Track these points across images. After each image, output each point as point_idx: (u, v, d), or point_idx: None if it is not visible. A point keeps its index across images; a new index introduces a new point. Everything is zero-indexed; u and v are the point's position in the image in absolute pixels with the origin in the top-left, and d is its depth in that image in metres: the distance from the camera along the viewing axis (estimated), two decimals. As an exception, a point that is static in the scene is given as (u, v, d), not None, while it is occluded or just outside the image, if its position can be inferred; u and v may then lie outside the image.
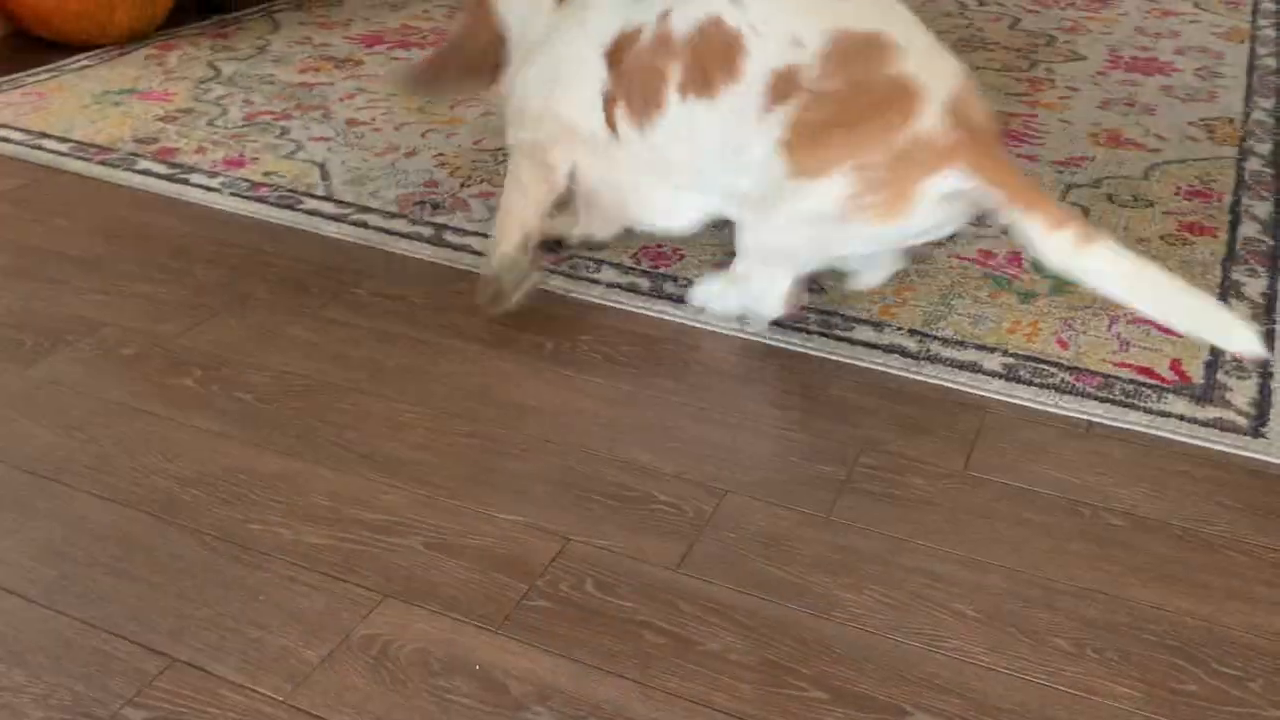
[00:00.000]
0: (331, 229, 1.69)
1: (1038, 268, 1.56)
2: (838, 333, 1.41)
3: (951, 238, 1.64)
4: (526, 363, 1.37)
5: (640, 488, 1.15)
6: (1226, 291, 1.49)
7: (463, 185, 1.84)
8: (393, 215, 1.73)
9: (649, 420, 1.26)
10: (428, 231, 1.68)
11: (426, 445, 1.22)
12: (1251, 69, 2.45)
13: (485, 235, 1.66)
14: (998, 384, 1.31)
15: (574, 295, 1.51)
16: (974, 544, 1.08)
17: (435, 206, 1.76)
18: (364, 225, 1.70)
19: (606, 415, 1.27)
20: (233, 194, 1.81)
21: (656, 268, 1.57)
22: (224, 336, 1.43)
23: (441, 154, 1.96)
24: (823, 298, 1.49)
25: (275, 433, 1.24)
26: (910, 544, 1.08)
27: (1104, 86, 2.32)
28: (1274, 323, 1.42)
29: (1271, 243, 1.63)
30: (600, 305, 1.49)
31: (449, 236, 1.66)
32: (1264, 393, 1.28)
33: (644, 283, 1.53)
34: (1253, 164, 1.92)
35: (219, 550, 1.07)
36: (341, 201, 1.78)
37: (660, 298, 1.50)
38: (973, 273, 1.55)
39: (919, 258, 1.58)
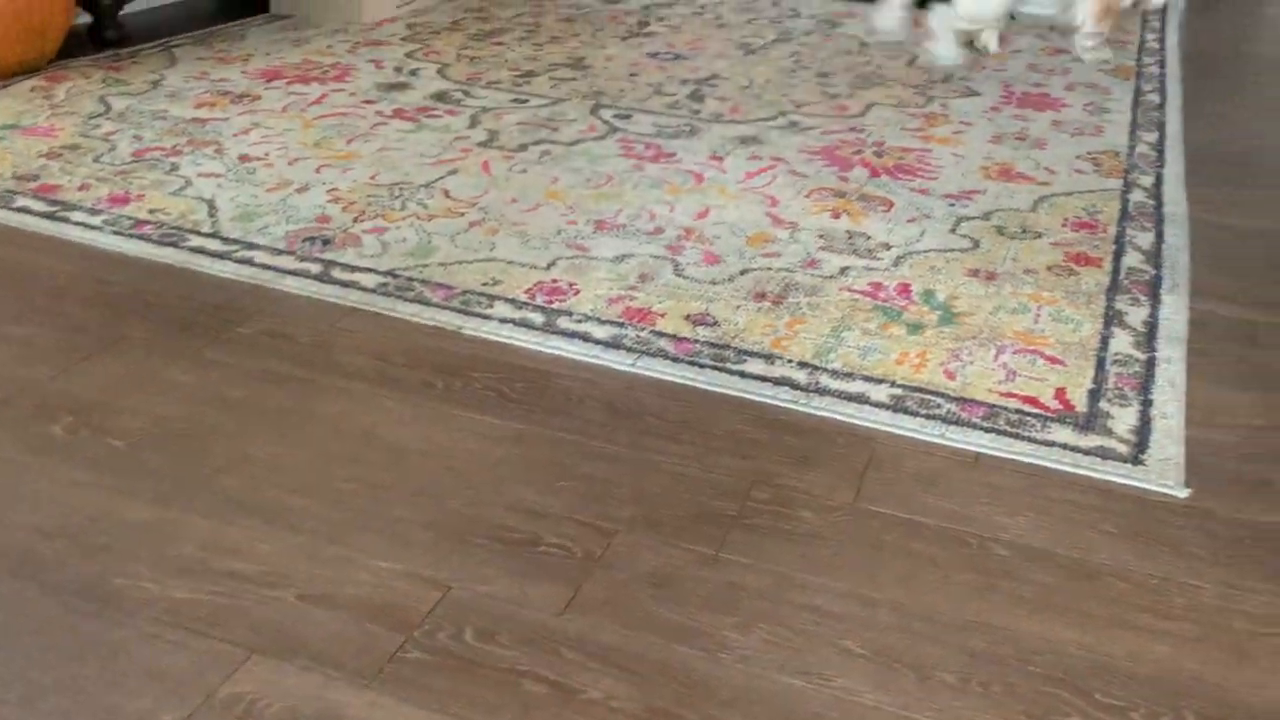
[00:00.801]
0: (216, 267, 1.64)
1: (928, 299, 1.58)
2: (730, 366, 1.41)
3: (844, 270, 1.66)
4: (414, 402, 1.34)
5: (527, 530, 1.13)
6: (1110, 320, 1.53)
7: (355, 220, 1.80)
8: (280, 252, 1.69)
9: (539, 459, 1.24)
10: (316, 268, 1.64)
11: (306, 491, 1.18)
12: (1136, 104, 2.54)
13: (373, 271, 1.62)
14: (886, 415, 1.31)
15: (467, 332, 1.48)
16: (862, 578, 1.08)
17: (325, 243, 1.72)
18: (250, 263, 1.65)
19: (495, 455, 1.24)
20: (114, 232, 1.74)
21: (550, 303, 1.55)
22: (98, 380, 1.37)
23: (335, 189, 1.93)
24: (716, 331, 1.48)
25: (146, 480, 1.19)
26: (800, 580, 1.07)
27: (997, 122, 2.38)
28: (1154, 350, 1.45)
29: (1153, 271, 1.68)
30: (494, 342, 1.47)
31: (337, 273, 1.62)
32: (1144, 420, 1.31)
33: (537, 318, 1.51)
34: (1136, 195, 1.98)
35: (76, 607, 1.01)
36: (228, 239, 1.73)
37: (554, 333, 1.48)
38: (863, 305, 1.56)
39: (810, 290, 1.59)
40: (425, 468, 1.22)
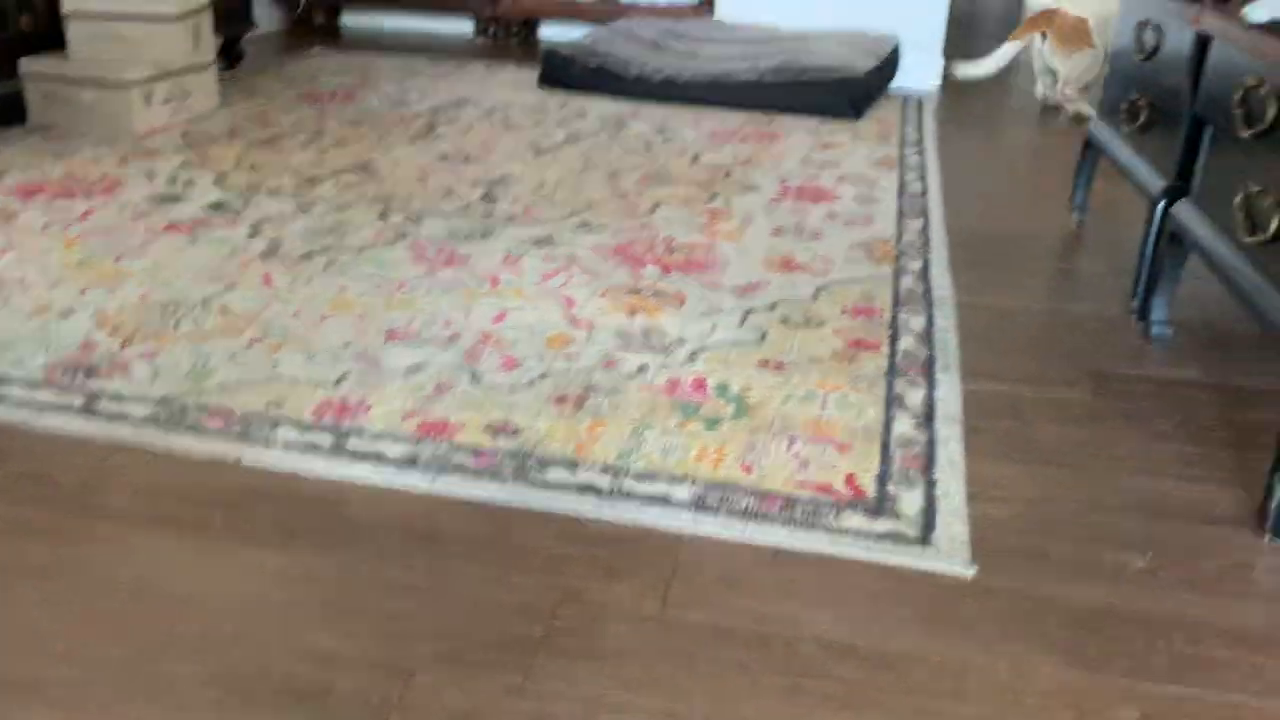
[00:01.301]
0: (-39, 407, 1.49)
1: (722, 392, 1.61)
2: (532, 476, 1.38)
3: (641, 368, 1.67)
4: (191, 544, 1.24)
5: (319, 678, 1.05)
6: (891, 403, 1.60)
7: (124, 345, 1.68)
8: (39, 385, 1.56)
9: (330, 598, 1.17)
10: (79, 401, 1.52)
11: (68, 659, 1.07)
12: (901, 192, 2.72)
13: (144, 399, 1.52)
14: (688, 516, 1.32)
15: (247, 462, 1.40)
16: (673, 691, 1.06)
17: (90, 373, 1.60)
18: (2, 400, 1.51)
19: (282, 597, 1.17)
20: None
21: (340, 423, 1.49)
22: None
23: (102, 312, 1.80)
24: (517, 439, 1.46)
25: (-128, 663, 1.04)
26: (611, 700, 1.05)
27: (775, 216, 2.49)
28: (933, 430, 1.53)
29: (927, 353, 1.77)
30: (277, 471, 1.39)
31: (104, 405, 1.51)
32: (929, 500, 1.37)
33: (325, 440, 1.45)
34: (907, 281, 2.10)
35: None
36: (-24, 374, 1.58)
37: (344, 456, 1.41)
38: (662, 402, 1.58)
39: (610, 390, 1.60)
40: (205, 617, 1.13)
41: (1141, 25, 2.06)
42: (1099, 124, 2.39)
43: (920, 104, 3.95)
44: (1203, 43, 1.74)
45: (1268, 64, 1.43)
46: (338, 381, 1.60)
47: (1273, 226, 1.40)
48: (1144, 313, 1.90)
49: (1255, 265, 1.47)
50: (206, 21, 3.16)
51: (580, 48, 3.83)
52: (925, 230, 2.42)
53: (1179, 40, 1.85)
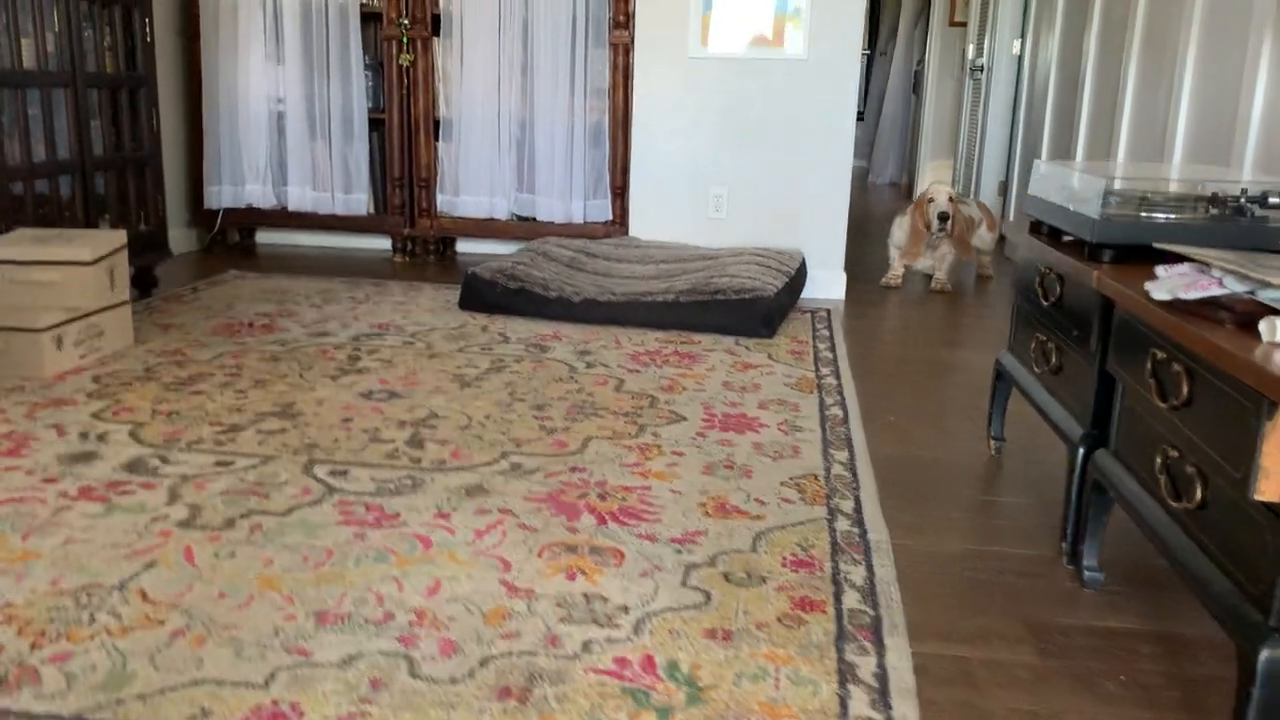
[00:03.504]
0: None
1: (672, 673, 1.56)
2: (482, 793, 1.31)
3: (587, 645, 1.62)
4: None
5: None
6: (844, 677, 1.57)
7: (33, 647, 1.57)
8: (-64, 705, 1.43)
9: None
10: (-18, 726, 1.40)
11: None
12: (823, 420, 2.78)
13: (60, 716, 1.40)
14: (652, 836, 1.25)
15: (173, 789, 1.29)
16: None
17: (-5, 686, 1.48)
18: (-106, 727, 1.39)
19: None
20: None
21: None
22: None
23: (9, 604, 1.69)
24: (462, 745, 1.38)
25: None
26: None
27: (704, 449, 2.51)
28: (890, 709, 1.50)
29: (872, 613, 1.77)
30: (206, 798, 1.29)
31: (11, 729, 1.40)
32: (895, 795, 1.33)
33: (259, 759, 1.35)
34: (841, 524, 2.12)
35: None
36: None
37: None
38: (611, 689, 1.52)
39: (555, 677, 1.54)
40: None
41: (1043, 273, 2.18)
42: (1008, 357, 2.50)
43: (829, 317, 4.10)
44: (1108, 304, 1.84)
45: (1175, 341, 1.52)
46: (266, 681, 1.51)
47: (1197, 495, 1.45)
48: (1074, 557, 1.94)
49: (1185, 530, 1.52)
50: (123, 261, 3.15)
51: (500, 271, 3.91)
52: (852, 462, 2.47)
53: (1083, 296, 1.96)
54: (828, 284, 4.47)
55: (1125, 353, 1.74)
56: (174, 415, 2.61)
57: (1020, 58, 6.30)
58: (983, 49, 7.08)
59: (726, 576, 1.88)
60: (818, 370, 3.28)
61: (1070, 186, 2.07)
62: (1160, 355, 1.56)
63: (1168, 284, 1.56)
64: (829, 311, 4.16)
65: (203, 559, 1.87)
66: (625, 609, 1.75)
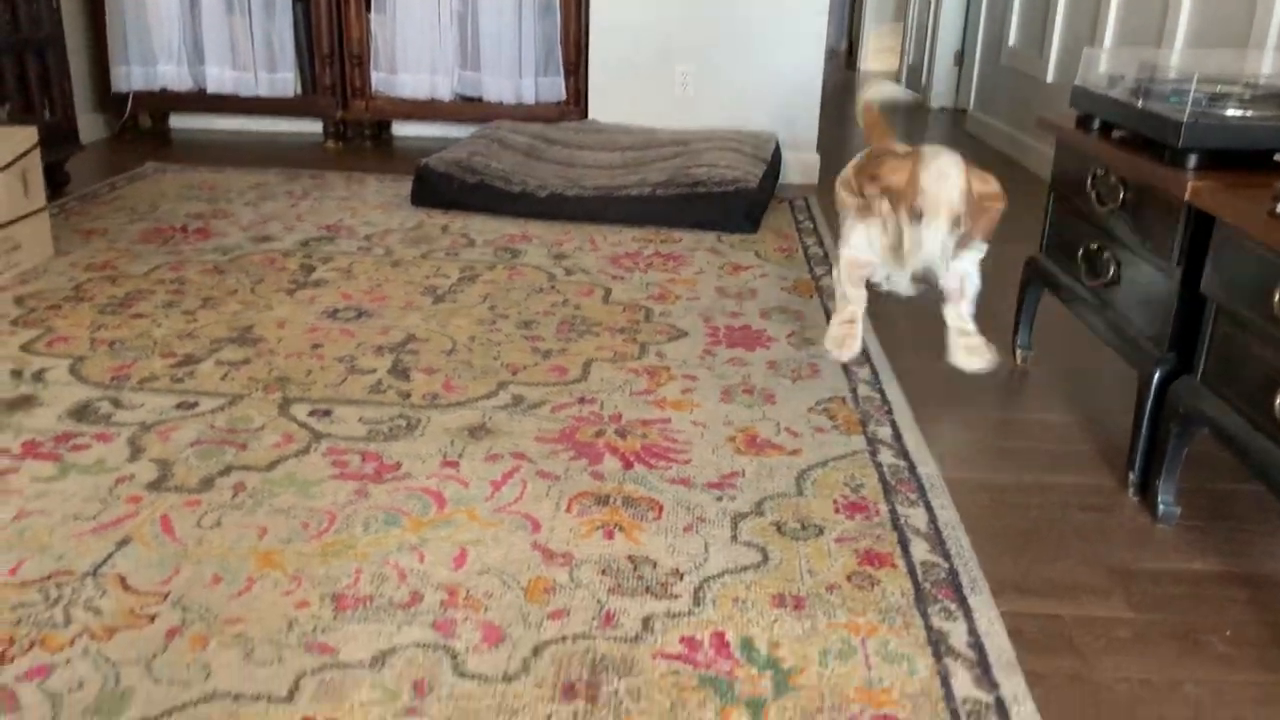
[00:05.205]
0: None
1: (749, 654, 1.39)
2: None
3: (647, 623, 1.44)
4: None
5: None
6: (938, 650, 1.42)
7: (2, 660, 1.33)
8: (-107, 747, 1.19)
9: None
10: (-43, 776, 1.17)
11: None
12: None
13: (51, 757, 1.18)
14: None
15: (204, 843, 1.09)
16: None
17: (-37, 719, 1.24)
18: None
19: None
20: None
21: (312, 764, 1.19)
22: None
23: (-40, 601, 1.44)
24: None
25: None
26: None
27: (716, 370, 2.31)
28: (997, 687, 1.35)
29: (946, 564, 1.61)
30: None
31: (-7, 777, 1.17)
32: (1029, 798, 1.19)
33: (301, 799, 1.15)
34: (884, 455, 1.95)
35: None
36: None
37: (328, 819, 1.12)
38: (687, 680, 1.35)
39: (623, 667, 1.36)
40: None
41: (1098, 175, 1.99)
42: (1045, 260, 2.32)
43: (808, 206, 3.88)
44: (1202, 218, 1.66)
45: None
46: (290, 693, 1.29)
47: (1340, 447, 1.31)
48: (1143, 489, 1.81)
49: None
50: (36, 162, 2.76)
51: (455, 162, 3.58)
52: (876, 380, 2.29)
53: (1161, 206, 1.77)
54: (801, 168, 4.24)
55: (1231, 278, 1.56)
56: (117, 346, 2.30)
57: (982, -81, 5.98)
58: (939, -92, 6.71)
59: (779, 528, 1.70)
60: (811, 271, 3.08)
61: (1141, 80, 1.86)
62: (1293, 287, 1.39)
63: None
64: (807, 200, 3.94)
65: (184, 531, 1.62)
66: (679, 574, 1.57)
